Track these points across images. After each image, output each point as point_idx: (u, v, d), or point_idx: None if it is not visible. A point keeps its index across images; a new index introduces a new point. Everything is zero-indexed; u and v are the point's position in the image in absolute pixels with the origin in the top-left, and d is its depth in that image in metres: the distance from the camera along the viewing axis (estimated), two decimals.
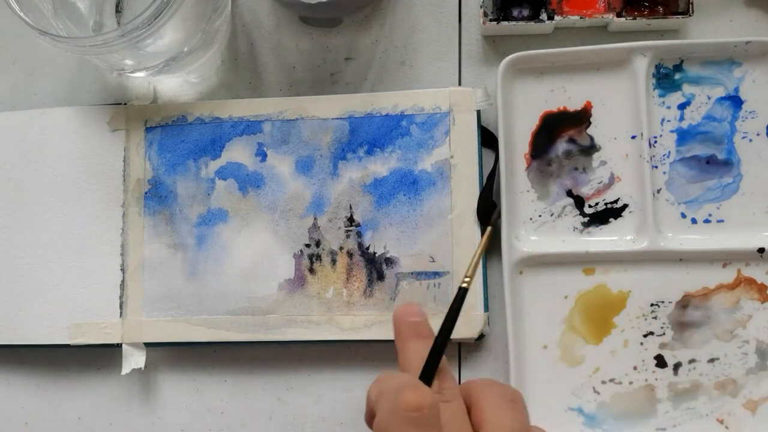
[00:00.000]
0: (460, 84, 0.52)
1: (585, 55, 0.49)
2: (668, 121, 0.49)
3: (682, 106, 0.49)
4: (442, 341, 0.41)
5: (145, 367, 0.51)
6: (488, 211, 0.49)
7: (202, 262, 0.51)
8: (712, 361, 0.48)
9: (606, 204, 0.49)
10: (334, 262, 0.50)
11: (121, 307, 0.51)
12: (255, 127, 0.51)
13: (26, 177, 0.53)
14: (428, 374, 0.40)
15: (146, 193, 0.52)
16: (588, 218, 0.49)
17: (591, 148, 0.50)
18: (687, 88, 0.49)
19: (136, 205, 0.52)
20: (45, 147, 0.53)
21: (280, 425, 0.51)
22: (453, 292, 0.48)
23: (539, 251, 0.49)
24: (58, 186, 0.52)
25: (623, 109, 0.49)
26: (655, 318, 0.49)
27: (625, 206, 0.49)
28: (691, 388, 0.48)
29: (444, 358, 0.41)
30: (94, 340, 0.51)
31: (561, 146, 0.50)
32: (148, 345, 0.51)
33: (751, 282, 0.48)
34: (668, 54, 0.49)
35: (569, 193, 0.50)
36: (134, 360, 0.51)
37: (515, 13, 0.50)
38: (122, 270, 0.51)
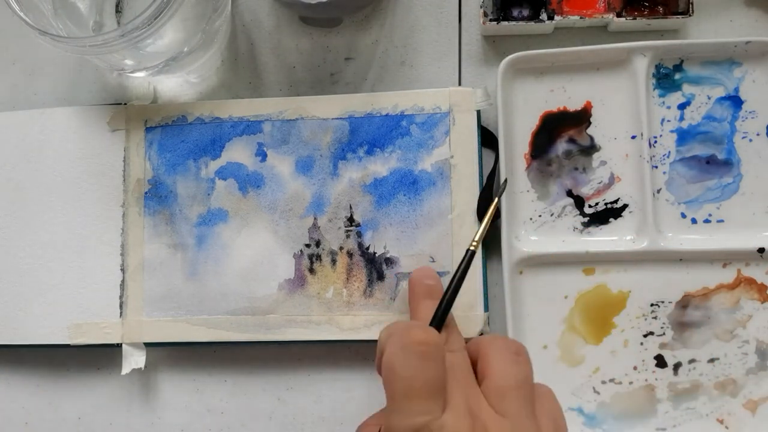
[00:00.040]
0: (460, 84, 0.52)
1: (585, 55, 0.49)
2: (668, 121, 0.49)
3: (682, 106, 0.49)
4: (451, 296, 0.44)
5: (145, 367, 0.51)
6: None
7: (202, 262, 0.51)
8: (712, 361, 0.48)
9: (606, 204, 0.49)
10: (334, 262, 0.50)
11: (121, 307, 0.51)
12: (255, 127, 0.51)
13: (26, 177, 0.53)
14: (436, 324, 0.43)
15: (146, 193, 0.52)
16: (588, 218, 0.49)
17: (591, 148, 0.50)
18: (687, 88, 0.49)
19: (136, 205, 0.52)
20: (45, 147, 0.53)
21: (280, 425, 0.51)
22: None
23: (539, 251, 0.49)
24: (58, 186, 0.52)
25: (623, 109, 0.49)
26: (655, 318, 0.49)
27: (625, 206, 0.49)
28: (691, 388, 0.48)
29: (451, 314, 0.44)
30: (94, 340, 0.51)
31: (561, 146, 0.50)
32: (148, 345, 0.51)
33: (751, 282, 0.48)
34: (668, 54, 0.49)
35: (569, 193, 0.50)
36: (134, 360, 0.51)
37: (515, 13, 0.50)
38: (122, 270, 0.51)
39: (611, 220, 0.49)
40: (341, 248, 0.50)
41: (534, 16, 0.50)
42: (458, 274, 0.44)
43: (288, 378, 0.52)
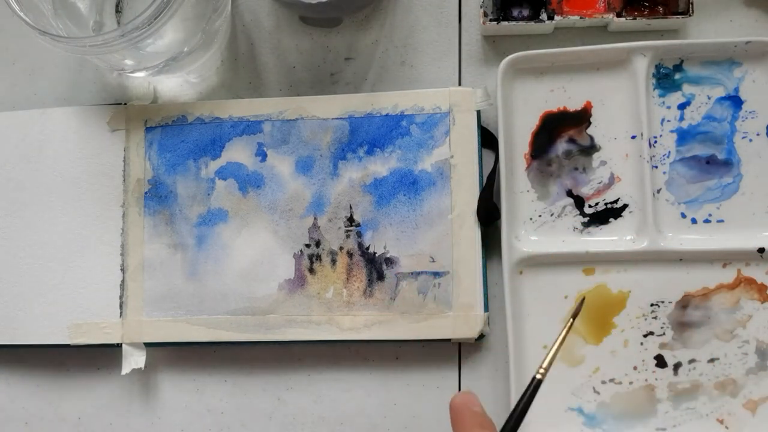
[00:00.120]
0: (460, 84, 0.52)
1: (585, 55, 0.49)
2: (668, 121, 0.49)
3: (682, 106, 0.49)
4: (514, 427, 0.39)
5: (145, 367, 0.51)
6: (488, 211, 0.49)
7: (202, 262, 0.51)
8: (712, 361, 0.48)
9: (606, 204, 0.49)
10: (334, 262, 0.50)
11: (121, 307, 0.51)
12: (255, 127, 0.51)
13: (26, 177, 0.53)
14: None
15: (146, 193, 0.52)
16: (588, 218, 0.49)
17: (591, 148, 0.50)
18: (687, 88, 0.49)
19: (136, 205, 0.52)
20: (45, 147, 0.53)
21: (280, 425, 0.51)
22: (453, 292, 0.49)
23: (539, 251, 0.49)
24: (58, 186, 0.52)
25: (623, 109, 0.49)
26: (655, 318, 0.49)
27: (625, 206, 0.49)
28: (691, 388, 0.48)
29: None
30: (94, 340, 0.51)
31: (561, 146, 0.50)
32: (148, 345, 0.51)
33: (751, 282, 0.48)
34: (668, 54, 0.49)
35: (569, 193, 0.50)
36: (134, 360, 0.51)
37: (515, 13, 0.50)
38: (122, 270, 0.51)
39: (611, 220, 0.49)
40: (341, 248, 0.50)
41: (534, 16, 0.50)
42: (522, 404, 0.40)
43: (288, 378, 0.52)
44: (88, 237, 0.52)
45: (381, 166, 0.50)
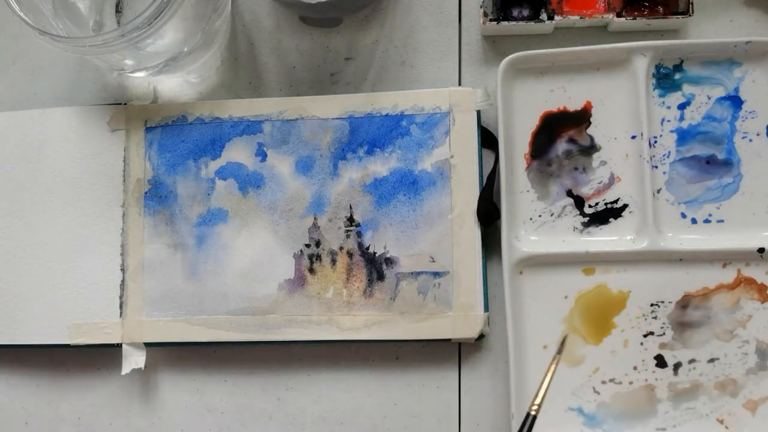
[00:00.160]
0: (460, 84, 0.52)
1: (585, 55, 0.49)
2: (668, 121, 0.49)
3: (682, 106, 0.49)
4: None
5: (145, 367, 0.51)
6: (488, 211, 0.49)
7: (202, 262, 0.51)
8: (712, 361, 0.48)
9: (606, 204, 0.49)
10: (334, 262, 0.50)
11: (121, 307, 0.51)
12: (255, 127, 0.51)
13: (26, 177, 0.53)
14: None
15: (146, 193, 0.52)
16: (588, 218, 0.49)
17: (591, 148, 0.50)
18: (687, 88, 0.49)
19: (136, 205, 0.52)
20: (45, 147, 0.53)
21: (280, 425, 0.51)
22: (453, 292, 0.49)
23: (539, 251, 0.49)
24: (58, 186, 0.52)
25: (623, 109, 0.49)
26: (655, 318, 0.49)
27: (625, 206, 0.49)
28: (691, 388, 0.48)
29: None
30: (94, 340, 0.51)
31: (561, 146, 0.50)
32: (148, 345, 0.51)
33: (751, 282, 0.48)
34: (668, 54, 0.49)
35: (569, 193, 0.50)
36: (134, 360, 0.51)
37: (515, 13, 0.50)
38: (122, 270, 0.51)
39: (611, 220, 0.49)
40: (341, 248, 0.50)
41: (534, 16, 0.50)
42: None
43: (288, 378, 0.52)
44: (88, 237, 0.52)
45: (381, 166, 0.50)
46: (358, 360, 0.51)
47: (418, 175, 0.50)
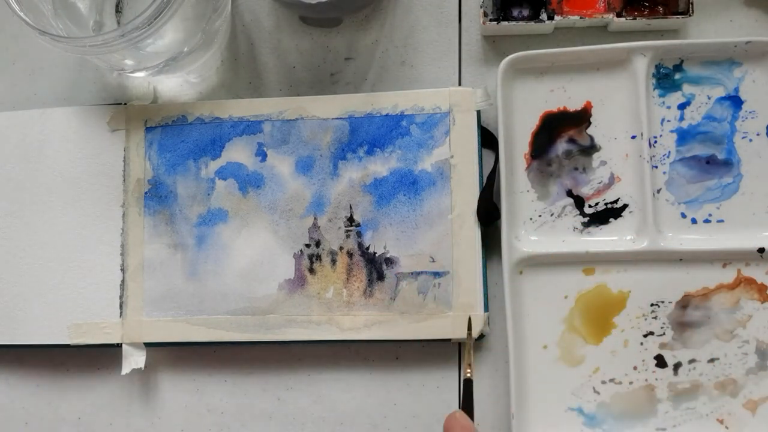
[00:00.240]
0: (460, 84, 0.52)
1: (585, 55, 0.49)
2: (668, 121, 0.49)
3: (682, 106, 0.49)
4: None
5: (145, 367, 0.51)
6: (488, 211, 0.49)
7: (202, 262, 0.51)
8: (712, 361, 0.48)
9: (606, 204, 0.49)
10: (334, 262, 0.50)
11: (121, 307, 0.51)
12: (255, 127, 0.51)
13: (26, 177, 0.53)
14: None
15: (146, 193, 0.52)
16: (588, 218, 0.49)
17: (591, 148, 0.50)
18: (687, 88, 0.49)
19: (136, 205, 0.52)
20: (45, 147, 0.53)
21: (280, 425, 0.51)
22: (453, 292, 0.49)
23: (539, 251, 0.49)
24: (58, 186, 0.52)
25: (623, 109, 0.49)
26: (655, 318, 0.49)
27: (625, 206, 0.49)
28: (691, 388, 0.48)
29: None
30: (94, 340, 0.51)
31: (561, 146, 0.50)
32: (148, 345, 0.51)
33: (751, 282, 0.48)
34: (668, 54, 0.49)
35: (569, 193, 0.50)
36: (134, 360, 0.51)
37: (515, 13, 0.50)
38: (122, 270, 0.51)
39: (611, 220, 0.49)
40: (341, 248, 0.50)
41: (534, 16, 0.50)
42: (464, 405, 0.46)
43: (288, 378, 0.52)
44: (88, 237, 0.52)
45: (381, 166, 0.50)
46: (358, 360, 0.51)
47: (418, 175, 0.50)
